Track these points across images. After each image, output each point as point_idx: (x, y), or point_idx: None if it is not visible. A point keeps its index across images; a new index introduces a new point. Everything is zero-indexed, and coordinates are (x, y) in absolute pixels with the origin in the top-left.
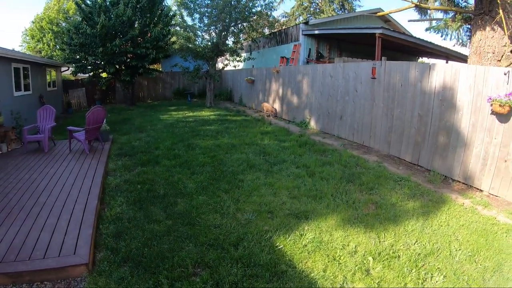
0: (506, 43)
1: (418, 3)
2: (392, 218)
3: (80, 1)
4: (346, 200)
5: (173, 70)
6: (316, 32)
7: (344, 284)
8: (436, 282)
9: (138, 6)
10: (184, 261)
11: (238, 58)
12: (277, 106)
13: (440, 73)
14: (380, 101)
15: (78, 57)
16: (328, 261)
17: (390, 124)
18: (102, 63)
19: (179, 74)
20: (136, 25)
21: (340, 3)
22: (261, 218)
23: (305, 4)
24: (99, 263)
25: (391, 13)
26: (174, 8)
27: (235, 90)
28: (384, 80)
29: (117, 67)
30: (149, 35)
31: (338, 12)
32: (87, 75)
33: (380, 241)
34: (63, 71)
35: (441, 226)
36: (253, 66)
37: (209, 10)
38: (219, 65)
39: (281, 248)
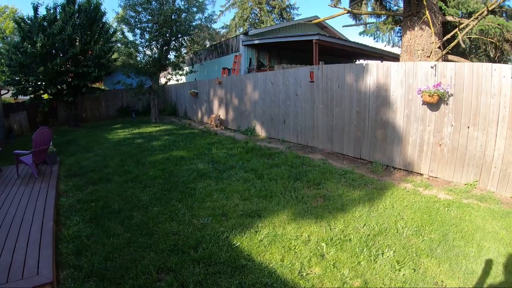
0: (433, 40)
1: (350, 9)
2: (340, 207)
3: (19, 19)
4: (296, 196)
5: (116, 88)
6: (256, 42)
7: (302, 270)
8: (388, 257)
9: (77, 23)
10: (148, 268)
11: (180, 72)
12: (222, 116)
13: (373, 71)
14: (320, 102)
15: (18, 78)
16: (284, 252)
17: (331, 123)
18: (43, 83)
19: (122, 91)
20: (77, 43)
21: (279, 13)
22: (216, 221)
23: (245, 16)
24: (64, 281)
25: (326, 19)
26: (114, 24)
27: (180, 104)
28: (323, 82)
29: (59, 87)
30: (90, 52)
31: (277, 22)
32: (28, 97)
33: (331, 229)
34: (2, 94)
35: (386, 209)
36: (195, 79)
37: (150, 25)
38: (162, 80)
39: (238, 245)
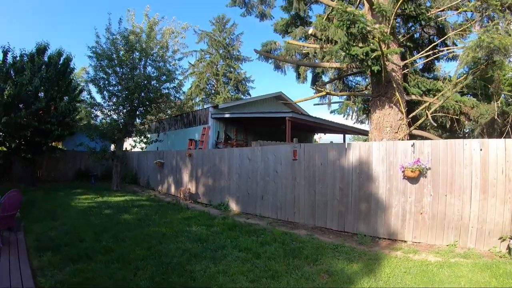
0: (401, 117)
1: (329, 91)
2: (348, 281)
3: None
4: (301, 274)
5: (76, 149)
6: (227, 115)
7: None
8: None
9: (45, 76)
10: None
11: (145, 140)
12: (192, 189)
13: (356, 150)
14: (301, 179)
15: None
16: None
17: (313, 199)
18: (1, 134)
19: (82, 153)
20: (42, 97)
21: (235, 85)
22: None
23: (202, 85)
24: None
25: (301, 101)
26: (82, 84)
27: (142, 173)
28: (305, 160)
29: (17, 141)
30: (53, 108)
31: (232, 94)
32: None
33: None
34: None
35: (390, 277)
36: (157, 148)
37: (119, 88)
38: (125, 146)
39: None
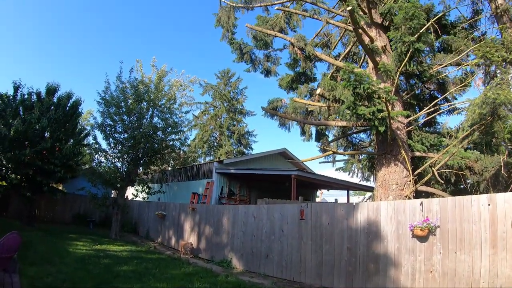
0: (406, 174)
1: (335, 151)
2: None
3: None
4: None
5: (76, 193)
6: (232, 171)
7: None
8: None
9: (53, 117)
10: None
11: (147, 190)
12: (193, 243)
13: (364, 210)
14: (308, 239)
15: None
16: None
17: (320, 259)
18: (4, 169)
19: (81, 197)
20: (48, 137)
21: (238, 138)
22: None
23: (205, 138)
24: None
25: (308, 161)
26: (88, 127)
27: (142, 223)
28: (312, 219)
29: (19, 178)
30: (57, 149)
31: (234, 147)
32: None
33: None
34: None
35: None
36: (159, 199)
37: (125, 136)
38: (127, 194)
39: None
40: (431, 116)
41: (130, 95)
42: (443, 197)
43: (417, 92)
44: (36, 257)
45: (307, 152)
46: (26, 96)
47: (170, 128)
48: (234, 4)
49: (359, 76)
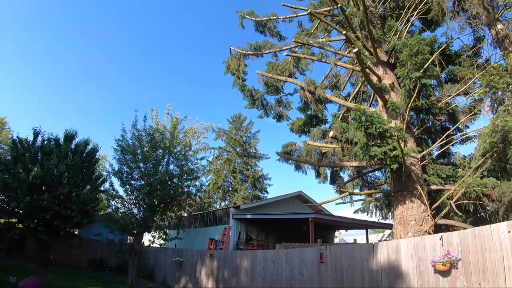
0: (424, 209)
1: (351, 192)
2: None
3: (17, 140)
4: None
5: (92, 238)
6: (249, 216)
7: None
8: None
9: (71, 163)
10: None
11: (164, 236)
12: None
13: (383, 249)
14: (329, 282)
15: None
16: None
17: None
18: (21, 213)
19: (98, 243)
20: (65, 182)
21: (252, 182)
22: None
23: (219, 183)
24: None
25: (325, 203)
26: (104, 173)
27: (158, 269)
28: (331, 262)
29: (36, 222)
30: (74, 194)
31: (249, 191)
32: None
33: None
34: None
35: None
36: (175, 245)
37: (142, 183)
38: (143, 240)
39: None
40: (444, 148)
41: (145, 142)
42: (463, 228)
43: (428, 125)
44: None
45: (323, 193)
46: (45, 142)
47: (185, 175)
48: (244, 52)
49: (370, 116)
